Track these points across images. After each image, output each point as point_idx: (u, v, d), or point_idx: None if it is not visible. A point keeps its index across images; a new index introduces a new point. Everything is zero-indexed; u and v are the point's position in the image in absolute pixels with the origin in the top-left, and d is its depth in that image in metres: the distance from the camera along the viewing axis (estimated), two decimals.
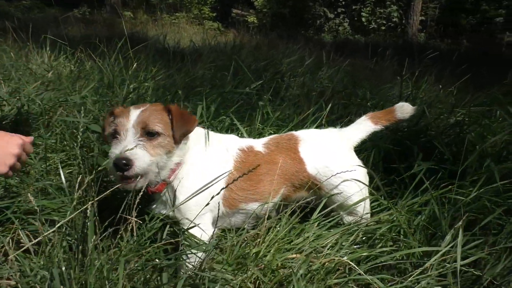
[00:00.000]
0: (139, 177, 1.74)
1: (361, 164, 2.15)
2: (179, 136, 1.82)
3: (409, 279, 1.71)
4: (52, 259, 1.41)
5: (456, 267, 1.75)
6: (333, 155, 2.10)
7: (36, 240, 1.37)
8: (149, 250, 1.48)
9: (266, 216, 1.93)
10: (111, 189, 1.53)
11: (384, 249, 1.80)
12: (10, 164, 1.64)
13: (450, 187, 2.07)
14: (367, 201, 2.13)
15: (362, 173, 2.12)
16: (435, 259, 1.74)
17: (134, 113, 1.79)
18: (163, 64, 5.21)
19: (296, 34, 14.98)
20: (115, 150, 1.71)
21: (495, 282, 1.78)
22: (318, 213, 2.03)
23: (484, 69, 6.60)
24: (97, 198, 1.47)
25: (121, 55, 4.47)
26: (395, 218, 2.03)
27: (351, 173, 2.05)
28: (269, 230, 1.92)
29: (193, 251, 1.74)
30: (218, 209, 1.89)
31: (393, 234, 2.02)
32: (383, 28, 17.19)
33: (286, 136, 2.18)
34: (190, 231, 1.80)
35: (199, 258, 1.70)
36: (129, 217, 1.60)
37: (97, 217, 1.61)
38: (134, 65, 4.50)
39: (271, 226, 1.88)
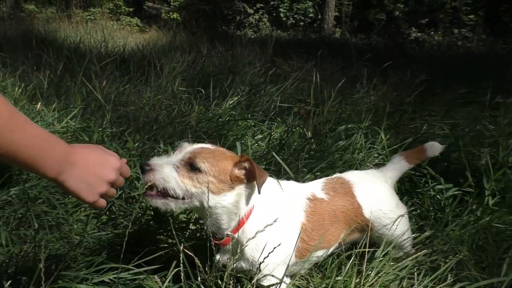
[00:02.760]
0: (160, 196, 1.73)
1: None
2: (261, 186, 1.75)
3: None
4: None
5: None
6: (383, 197, 2.21)
7: None
8: None
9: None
10: None
11: (461, 284, 1.93)
12: (102, 192, 1.35)
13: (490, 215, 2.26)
14: (410, 234, 2.27)
15: (404, 210, 2.25)
16: None
17: (199, 145, 1.82)
18: (125, 77, 4.92)
19: (219, 30, 14.98)
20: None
21: None
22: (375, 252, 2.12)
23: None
24: None
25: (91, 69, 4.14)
26: (445, 248, 2.19)
27: (398, 212, 2.18)
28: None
29: None
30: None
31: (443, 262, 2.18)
32: (301, 23, 17.74)
33: (337, 180, 2.21)
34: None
35: None
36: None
37: None
38: (104, 83, 4.23)
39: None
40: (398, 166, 2.32)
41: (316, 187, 2.15)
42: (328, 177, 2.26)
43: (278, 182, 2.02)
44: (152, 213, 2.21)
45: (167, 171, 1.69)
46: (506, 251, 2.14)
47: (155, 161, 1.72)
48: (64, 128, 3.37)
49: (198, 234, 2.26)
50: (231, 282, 1.63)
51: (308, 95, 4.95)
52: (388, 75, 6.12)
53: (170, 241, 2.31)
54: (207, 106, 4.14)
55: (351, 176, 2.24)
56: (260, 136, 3.55)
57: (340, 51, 9.80)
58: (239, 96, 4.43)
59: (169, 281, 1.80)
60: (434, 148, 2.34)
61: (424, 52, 12.49)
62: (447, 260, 2.13)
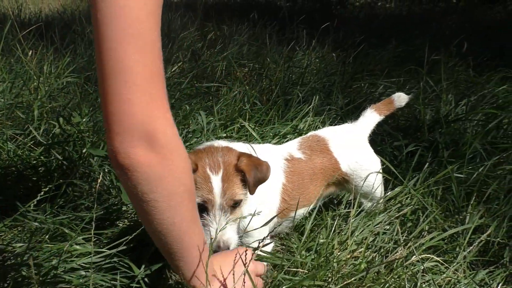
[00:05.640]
0: None
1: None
2: (254, 189, 1.72)
3: (458, 259, 1.97)
4: None
5: (476, 238, 2.09)
6: (359, 150, 2.27)
7: None
8: None
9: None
10: None
11: (432, 235, 2.01)
12: None
13: (451, 166, 2.37)
14: (383, 187, 2.35)
15: (379, 163, 2.32)
16: (469, 237, 2.04)
17: (217, 185, 1.65)
18: (51, 47, 4.47)
19: None
20: (211, 237, 1.63)
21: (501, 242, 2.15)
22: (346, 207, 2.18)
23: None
24: None
25: None
26: (413, 201, 2.28)
27: (374, 164, 2.28)
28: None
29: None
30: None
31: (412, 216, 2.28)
32: None
33: (312, 138, 2.23)
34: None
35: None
36: None
37: None
38: (30, 53, 3.83)
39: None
40: (369, 119, 2.38)
41: (292, 147, 2.15)
42: (302, 136, 2.27)
43: (252, 147, 1.96)
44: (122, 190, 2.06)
45: (236, 241, 1.69)
46: (467, 199, 2.27)
47: (223, 239, 1.64)
48: None
49: None
50: None
51: (250, 60, 4.87)
52: (324, 37, 6.15)
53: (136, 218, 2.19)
54: None
55: (326, 132, 2.26)
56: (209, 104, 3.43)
57: (271, 13, 9.71)
58: (181, 63, 4.23)
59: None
60: (401, 98, 2.44)
61: (348, 13, 12.76)
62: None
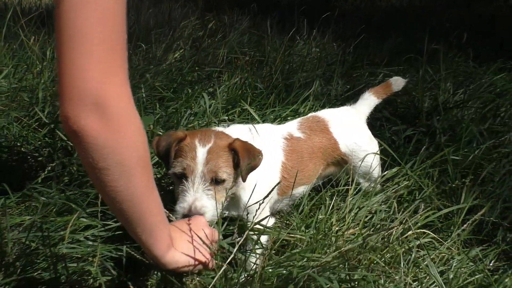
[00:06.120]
0: None
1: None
2: (246, 176, 1.74)
3: (452, 236, 2.03)
4: None
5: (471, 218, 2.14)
6: (357, 131, 2.35)
7: None
8: None
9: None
10: None
11: (427, 213, 2.07)
12: None
13: (447, 149, 2.43)
14: (380, 167, 2.42)
15: (377, 144, 2.40)
16: (463, 216, 2.10)
17: (202, 155, 1.67)
18: (51, 33, 4.50)
19: None
20: (185, 201, 1.64)
21: (495, 221, 2.21)
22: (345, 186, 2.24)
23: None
24: None
25: None
26: (410, 182, 2.34)
27: (372, 145, 2.35)
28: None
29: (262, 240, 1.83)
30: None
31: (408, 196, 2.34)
32: None
33: (313, 119, 2.30)
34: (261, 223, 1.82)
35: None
36: None
37: None
38: (32, 39, 3.86)
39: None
40: (368, 101, 2.44)
41: (292, 127, 2.21)
42: (303, 117, 2.33)
43: (254, 126, 2.02)
44: None
45: (212, 212, 1.65)
46: (463, 180, 2.33)
47: (196, 204, 1.62)
48: None
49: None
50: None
51: (251, 48, 4.90)
52: (324, 27, 6.16)
53: None
54: (150, 60, 3.95)
55: (326, 113, 2.33)
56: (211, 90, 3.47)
57: (271, 4, 9.69)
58: (182, 50, 4.26)
59: None
60: (399, 82, 2.50)
61: (349, 6, 12.75)
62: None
